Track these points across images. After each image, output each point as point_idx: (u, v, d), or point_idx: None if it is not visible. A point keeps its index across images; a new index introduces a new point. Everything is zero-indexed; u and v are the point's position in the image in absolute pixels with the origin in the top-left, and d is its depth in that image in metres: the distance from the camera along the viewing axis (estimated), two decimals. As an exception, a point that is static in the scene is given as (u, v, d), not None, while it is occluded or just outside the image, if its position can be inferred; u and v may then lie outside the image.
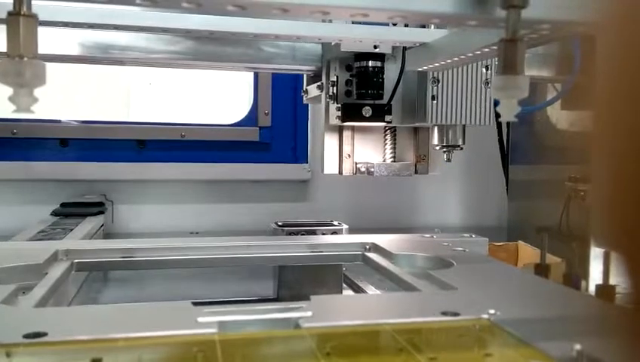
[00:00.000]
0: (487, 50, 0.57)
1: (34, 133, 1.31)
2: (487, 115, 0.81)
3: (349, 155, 0.86)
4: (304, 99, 0.93)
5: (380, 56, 0.80)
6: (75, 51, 0.80)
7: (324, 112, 0.83)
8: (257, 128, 1.43)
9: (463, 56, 0.62)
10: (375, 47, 0.78)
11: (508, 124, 1.34)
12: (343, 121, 0.81)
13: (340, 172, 0.86)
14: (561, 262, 0.74)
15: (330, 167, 0.86)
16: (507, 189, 1.41)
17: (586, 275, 0.97)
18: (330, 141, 0.86)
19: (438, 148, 0.84)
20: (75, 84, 1.44)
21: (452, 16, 0.49)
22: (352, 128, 0.86)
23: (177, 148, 1.39)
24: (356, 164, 0.86)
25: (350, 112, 0.80)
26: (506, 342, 0.38)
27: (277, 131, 1.42)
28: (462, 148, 0.84)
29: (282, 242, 0.77)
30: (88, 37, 0.79)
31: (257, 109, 1.43)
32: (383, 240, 0.74)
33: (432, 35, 0.69)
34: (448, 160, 0.84)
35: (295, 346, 0.38)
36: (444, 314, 0.44)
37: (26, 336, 0.37)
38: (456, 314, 0.43)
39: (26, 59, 0.41)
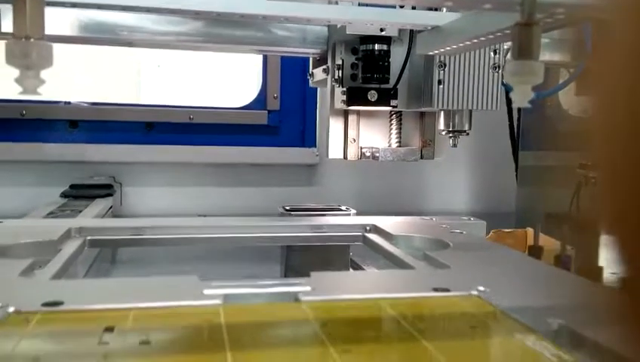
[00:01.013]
0: (500, 34, 0.56)
1: (43, 115, 1.31)
2: (494, 99, 0.81)
3: (354, 140, 0.85)
4: (310, 82, 0.92)
5: (387, 40, 0.79)
6: (82, 32, 0.79)
7: (330, 96, 0.83)
8: (266, 112, 1.43)
9: (475, 40, 0.61)
10: (381, 29, 0.77)
11: (519, 109, 1.32)
12: (348, 105, 0.80)
13: (345, 156, 0.85)
14: (554, 243, 0.75)
15: (335, 151, 0.86)
16: (516, 175, 1.40)
17: (595, 262, 0.96)
18: (336, 125, 0.85)
19: (444, 133, 0.84)
20: (86, 66, 1.44)
21: (465, -1, 0.47)
22: (358, 112, 0.85)
23: (185, 130, 1.39)
24: (361, 148, 0.86)
25: (355, 96, 0.80)
26: (492, 316, 0.40)
27: (285, 115, 1.42)
28: (468, 134, 0.83)
29: (286, 223, 0.80)
30: (96, 18, 0.79)
31: (266, 92, 1.43)
32: (384, 222, 0.76)
33: (444, 17, 0.67)
34: (454, 145, 0.83)
35: (294, 317, 0.40)
36: (436, 290, 0.46)
37: (44, 305, 0.39)
38: (446, 291, 0.46)
39: (32, 40, 0.41)
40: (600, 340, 0.33)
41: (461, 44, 0.64)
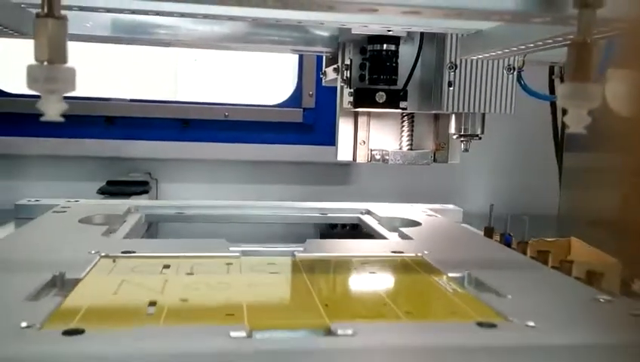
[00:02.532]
0: (550, 41, 0.53)
1: (81, 111, 1.35)
2: (508, 102, 0.77)
3: (364, 142, 0.83)
4: (323, 81, 0.91)
5: (395, 40, 0.76)
6: (120, 33, 0.81)
7: (339, 96, 0.82)
8: (301, 109, 1.42)
9: (522, 47, 0.58)
10: (388, 30, 0.75)
11: (563, 111, 1.26)
12: (355, 106, 0.79)
13: (354, 159, 0.84)
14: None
15: (345, 153, 0.84)
16: (560, 178, 1.33)
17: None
18: (345, 126, 0.84)
19: (455, 137, 0.81)
20: (123, 58, 1.47)
21: (515, 14, 0.46)
22: (368, 114, 0.84)
23: (221, 128, 1.40)
24: (371, 151, 0.84)
25: (363, 98, 0.78)
26: (425, 269, 0.57)
27: (321, 113, 1.41)
28: (480, 138, 0.80)
29: (299, 206, 0.97)
30: (133, 18, 0.80)
31: (301, 90, 1.42)
32: (377, 207, 0.92)
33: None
34: (466, 150, 0.80)
35: (289, 265, 0.58)
36: (394, 252, 0.63)
37: (123, 252, 0.57)
38: (400, 253, 0.62)
39: (55, 64, 0.40)
40: (493, 285, 0.50)
41: (507, 50, 0.62)
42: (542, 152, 1.32)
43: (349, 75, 0.79)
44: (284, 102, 1.44)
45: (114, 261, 0.55)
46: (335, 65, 0.83)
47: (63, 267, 0.49)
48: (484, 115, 0.80)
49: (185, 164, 1.41)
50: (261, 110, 1.43)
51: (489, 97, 0.77)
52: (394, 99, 0.78)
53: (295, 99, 1.43)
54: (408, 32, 0.77)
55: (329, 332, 0.38)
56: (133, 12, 0.65)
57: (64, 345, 0.34)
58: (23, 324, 0.36)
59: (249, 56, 1.53)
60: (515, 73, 0.77)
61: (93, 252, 0.56)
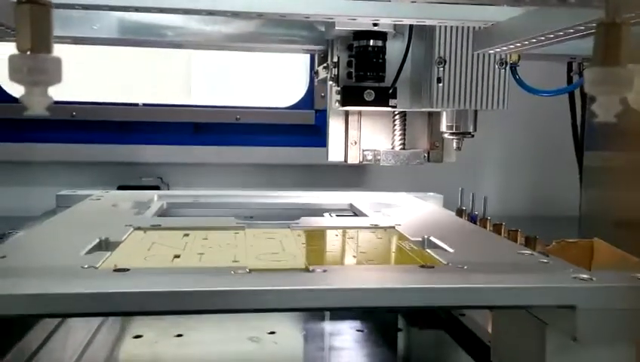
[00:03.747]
0: (572, 30, 0.52)
1: (93, 116, 1.37)
2: (501, 98, 0.75)
3: (355, 142, 0.82)
4: (315, 80, 0.90)
5: (382, 35, 0.75)
6: (131, 35, 0.81)
7: (328, 95, 0.80)
8: (313, 111, 1.42)
9: (542, 38, 0.57)
10: (374, 24, 0.73)
11: (583, 106, 1.22)
12: (343, 105, 0.79)
13: (346, 159, 0.82)
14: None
15: (336, 153, 0.83)
16: (580, 178, 1.29)
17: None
18: (336, 126, 0.83)
19: (446, 135, 0.78)
20: (137, 61, 1.48)
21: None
22: (359, 113, 0.83)
23: (232, 131, 1.41)
24: (363, 151, 0.82)
25: (351, 96, 0.79)
26: (393, 235, 0.71)
27: (334, 114, 1.40)
28: (473, 136, 0.78)
29: (300, 194, 1.09)
30: (142, 20, 0.80)
31: (313, 92, 1.42)
32: (368, 194, 1.06)
33: (505, 13, 0.63)
34: (458, 148, 0.78)
35: (286, 234, 0.70)
36: (372, 225, 0.77)
37: (151, 226, 0.74)
38: (377, 226, 0.77)
39: (40, 54, 0.38)
40: (444, 244, 0.63)
41: (526, 42, 0.60)
42: (561, 151, 1.28)
43: (336, 73, 0.78)
44: (296, 104, 1.45)
45: (145, 232, 0.72)
46: (325, 64, 0.81)
47: (106, 234, 0.66)
48: (476, 111, 0.77)
49: (196, 168, 1.45)
50: (273, 112, 1.46)
51: (480, 93, 0.75)
52: (383, 97, 0.77)
53: (307, 101, 1.44)
54: (396, 27, 0.75)
55: (307, 271, 0.53)
56: (137, 9, 0.64)
57: (115, 278, 0.50)
58: (85, 266, 0.53)
59: (263, 59, 1.53)
60: (509, 68, 0.74)
61: (127, 225, 0.73)
